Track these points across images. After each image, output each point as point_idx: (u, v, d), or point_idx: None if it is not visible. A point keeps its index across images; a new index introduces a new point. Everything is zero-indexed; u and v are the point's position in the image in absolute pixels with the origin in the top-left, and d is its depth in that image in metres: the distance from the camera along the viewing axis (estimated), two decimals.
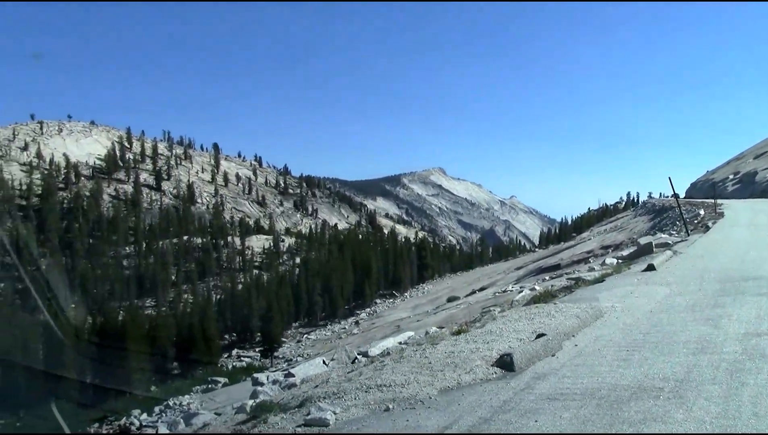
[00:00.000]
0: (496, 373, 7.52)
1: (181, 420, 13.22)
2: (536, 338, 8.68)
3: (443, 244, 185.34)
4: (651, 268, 16.32)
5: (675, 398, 6.08)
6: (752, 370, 6.78)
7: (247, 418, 8.19)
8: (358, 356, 13.25)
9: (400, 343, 13.77)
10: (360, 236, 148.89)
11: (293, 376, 12.07)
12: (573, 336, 9.17)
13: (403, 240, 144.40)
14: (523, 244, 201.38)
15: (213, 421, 10.74)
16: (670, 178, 30.49)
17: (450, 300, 61.27)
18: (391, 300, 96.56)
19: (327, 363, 13.69)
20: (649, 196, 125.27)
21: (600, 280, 15.86)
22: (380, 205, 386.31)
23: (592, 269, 25.20)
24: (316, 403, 7.10)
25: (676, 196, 36.74)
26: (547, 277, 39.32)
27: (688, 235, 29.87)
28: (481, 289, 63.16)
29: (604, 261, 27.44)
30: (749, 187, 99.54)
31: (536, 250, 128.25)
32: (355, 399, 7.05)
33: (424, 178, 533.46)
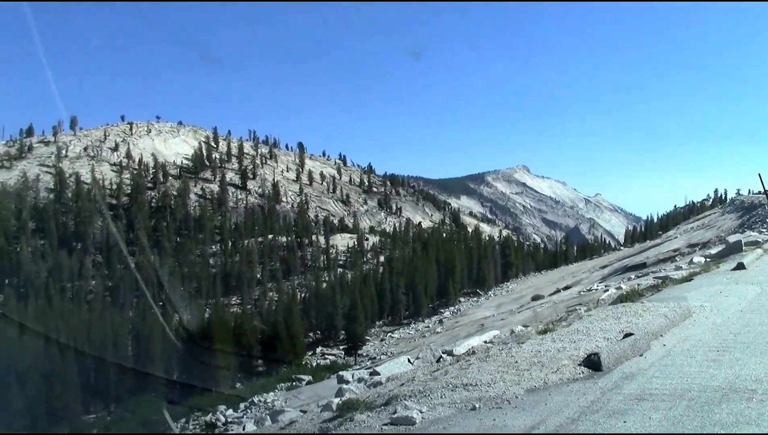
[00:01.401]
0: (583, 372, 7.46)
1: (268, 417, 13.44)
2: (624, 338, 8.57)
3: (527, 243, 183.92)
4: (741, 266, 16.01)
5: None
6: None
7: (333, 416, 8.26)
8: (443, 355, 13.26)
9: (486, 341, 13.76)
10: (444, 234, 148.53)
11: (378, 374, 12.16)
12: (661, 336, 9.05)
13: (487, 238, 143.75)
14: (608, 242, 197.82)
15: (299, 419, 10.85)
16: (759, 175, 29.81)
17: (534, 298, 60.77)
18: (475, 298, 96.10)
19: (412, 361, 13.74)
20: (738, 193, 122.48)
21: (688, 278, 15.61)
22: (464, 203, 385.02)
23: (679, 268, 24.78)
24: (402, 401, 7.15)
25: (766, 193, 35.73)
26: (632, 276, 38.81)
27: None
28: (566, 288, 62.45)
29: (692, 259, 26.93)
30: None
31: (621, 248, 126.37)
32: (441, 398, 7.07)
33: (507, 176, 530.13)
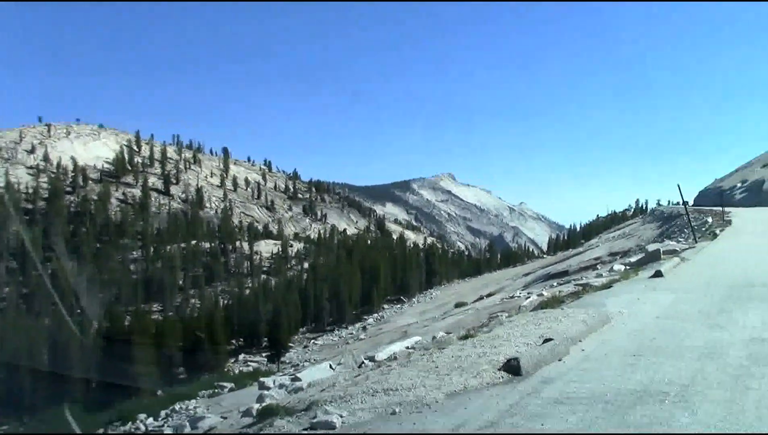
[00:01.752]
0: (503, 377, 7.55)
1: (187, 423, 13.27)
2: (543, 343, 8.71)
3: (452, 250, 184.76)
4: (658, 274, 16.37)
5: (680, 402, 6.13)
6: (757, 375, 6.83)
7: (252, 422, 8.23)
8: (365, 361, 13.30)
9: (408, 347, 13.83)
10: (369, 241, 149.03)
11: (300, 380, 12.14)
12: (580, 341, 9.20)
13: (412, 245, 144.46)
14: (531, 250, 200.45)
15: (219, 425, 10.79)
16: (678, 186, 30.50)
17: (458, 305, 61.06)
18: (399, 305, 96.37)
19: (334, 367, 13.77)
20: (658, 204, 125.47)
21: (607, 286, 15.91)
22: (389, 210, 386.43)
23: (599, 275, 25.25)
24: (323, 406, 7.14)
25: (684, 203, 36.67)
26: (555, 283, 39.32)
27: (696, 242, 29.88)
28: (489, 295, 62.94)
29: (612, 267, 27.48)
30: (757, 195, 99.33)
31: (544, 256, 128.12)
32: (362, 403, 7.08)
33: (433, 184, 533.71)
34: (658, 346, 8.57)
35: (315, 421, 6.65)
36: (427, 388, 7.23)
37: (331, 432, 6.36)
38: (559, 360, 8.20)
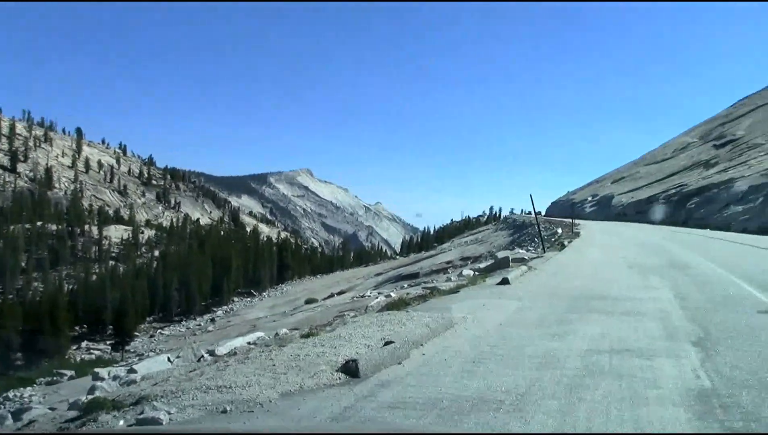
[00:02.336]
0: (340, 378, 7.37)
1: (9, 415, 12.53)
2: (384, 345, 8.56)
3: (305, 246, 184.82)
4: (505, 281, 16.59)
5: (514, 411, 6.08)
6: (590, 387, 6.87)
7: (77, 415, 7.78)
8: (204, 355, 12.94)
9: (249, 343, 13.53)
10: (222, 233, 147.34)
11: (135, 372, 11.67)
12: (422, 345, 9.11)
13: (265, 239, 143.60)
14: (384, 250, 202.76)
15: (41, 417, 10.19)
16: (531, 196, 31.24)
17: (308, 302, 61.04)
18: (249, 299, 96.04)
19: (172, 361, 13.32)
20: (511, 212, 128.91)
21: (455, 290, 16.00)
22: (245, 202, 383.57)
23: (449, 280, 25.48)
24: (152, 402, 6.79)
25: (535, 213, 37.63)
26: (405, 285, 39.62)
27: (545, 252, 30.63)
28: (340, 293, 63.18)
29: (462, 272, 27.81)
30: (606, 209, 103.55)
31: (397, 257, 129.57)
32: (193, 399, 6.76)
33: (291, 179, 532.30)
34: (499, 353, 8.57)
35: (141, 417, 6.30)
36: (262, 387, 6.98)
37: (157, 429, 6.05)
38: (399, 363, 8.07)
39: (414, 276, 55.80)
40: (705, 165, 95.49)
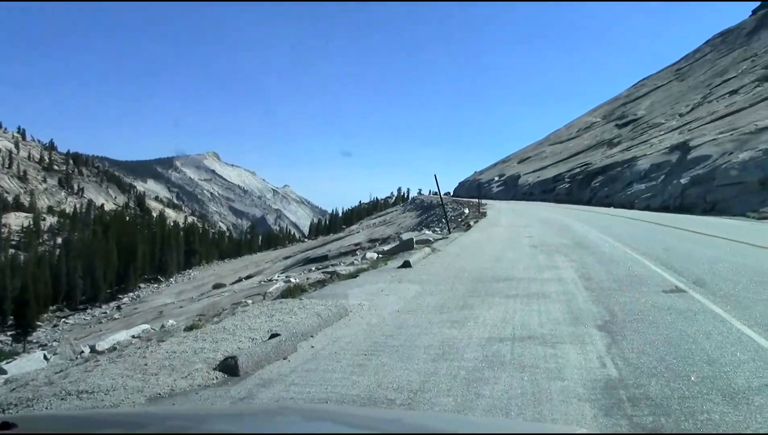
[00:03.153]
0: (217, 378, 6.65)
1: None
2: (270, 338, 7.86)
3: (213, 230, 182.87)
4: (407, 265, 16.04)
5: (407, 412, 5.47)
6: (490, 380, 6.30)
7: None
8: (84, 350, 12.04)
9: (133, 336, 12.71)
10: (127, 218, 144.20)
11: (5, 372, 10.71)
12: (311, 336, 8.43)
13: (172, 224, 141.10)
14: (293, 233, 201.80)
15: None
16: (435, 176, 30.93)
17: (216, 287, 60.42)
18: (156, 285, 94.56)
19: (49, 358, 12.34)
20: (419, 193, 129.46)
21: (354, 275, 15.36)
22: (151, 187, 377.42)
23: (353, 263, 24.89)
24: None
25: (440, 193, 37.28)
26: (313, 268, 39.13)
27: (450, 232, 30.28)
28: (248, 277, 62.75)
29: (365, 255, 27.24)
30: (512, 189, 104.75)
31: (305, 240, 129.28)
32: (48, 408, 5.96)
33: (197, 163, 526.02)
34: (393, 344, 7.94)
35: None
36: (128, 391, 6.21)
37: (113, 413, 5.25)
38: (285, 358, 7.37)
39: (323, 259, 55.43)
40: (608, 144, 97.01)
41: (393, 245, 27.27)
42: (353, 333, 8.72)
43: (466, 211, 52.59)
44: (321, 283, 15.05)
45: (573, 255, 17.75)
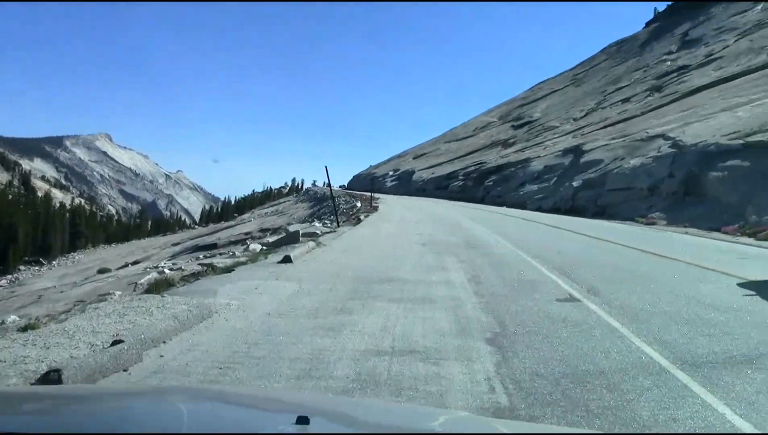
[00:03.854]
0: None
1: None
2: (112, 345, 6.70)
3: (101, 213, 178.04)
4: (288, 260, 15.02)
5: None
6: (359, 407, 5.36)
7: None
8: None
9: None
10: (10, 197, 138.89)
11: None
12: (164, 343, 7.29)
13: (58, 205, 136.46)
14: (184, 219, 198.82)
15: None
16: (326, 168, 29.77)
17: (101, 272, 58.02)
18: (38, 268, 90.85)
19: None
20: (313, 184, 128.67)
21: (230, 269, 14.18)
22: (38, 166, 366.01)
23: (233, 255, 23.70)
24: None
25: (329, 185, 36.19)
26: (201, 256, 38.02)
27: (339, 226, 29.46)
28: (135, 263, 60.79)
29: (248, 246, 26.01)
30: (407, 184, 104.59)
31: (196, 227, 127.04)
32: None
33: (88, 143, 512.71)
34: (256, 356, 6.88)
35: None
36: None
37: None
38: (125, 370, 6.25)
39: (212, 246, 54.11)
40: (504, 144, 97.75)
41: (277, 238, 26.16)
42: (213, 340, 7.62)
43: (359, 204, 52.11)
44: (195, 276, 13.88)
45: (463, 256, 17.03)
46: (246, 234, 58.68)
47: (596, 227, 30.29)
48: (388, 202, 55.35)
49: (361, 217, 35.28)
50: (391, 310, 9.53)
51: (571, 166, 55.44)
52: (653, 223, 33.35)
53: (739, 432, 4.92)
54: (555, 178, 56.18)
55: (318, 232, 24.91)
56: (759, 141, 32.35)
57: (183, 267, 22.13)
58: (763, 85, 52.51)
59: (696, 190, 35.23)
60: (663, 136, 45.91)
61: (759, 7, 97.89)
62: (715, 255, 18.26)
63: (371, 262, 15.32)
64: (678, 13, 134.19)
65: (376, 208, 45.52)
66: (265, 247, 22.29)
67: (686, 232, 27.99)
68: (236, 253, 24.88)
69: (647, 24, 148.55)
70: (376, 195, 67.91)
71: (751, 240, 23.77)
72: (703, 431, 5.08)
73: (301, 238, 21.53)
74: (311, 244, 19.05)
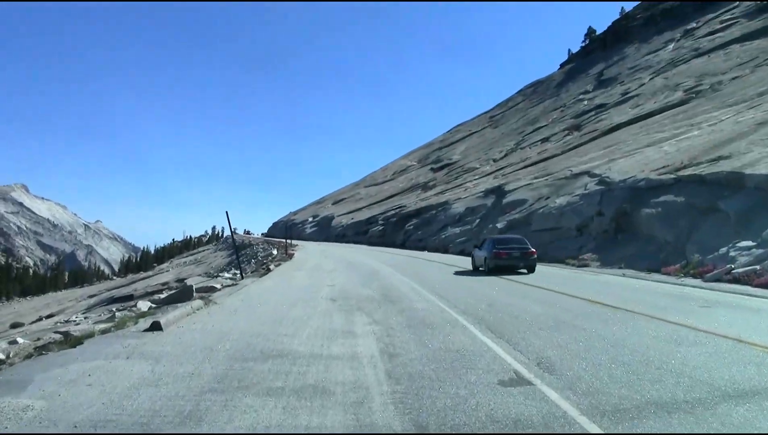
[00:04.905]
0: None
1: None
2: None
3: (18, 265, 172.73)
4: (156, 327, 11.90)
5: None
6: None
7: None
8: None
9: None
10: None
11: None
12: None
13: None
14: (103, 270, 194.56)
15: None
16: (227, 213, 26.50)
17: (14, 326, 55.89)
18: None
19: None
20: (234, 231, 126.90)
21: (79, 341, 11.01)
22: None
23: (100, 317, 20.46)
24: None
25: (232, 232, 32.57)
26: (114, 308, 35.28)
27: (243, 278, 26.51)
28: (49, 316, 59.43)
29: (136, 304, 22.65)
30: (326, 230, 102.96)
31: (114, 278, 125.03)
32: None
33: (4, 194, 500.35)
34: None
35: None
36: None
37: None
38: None
39: (128, 298, 52.04)
40: (423, 187, 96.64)
41: (169, 294, 22.92)
42: None
43: (275, 252, 50.97)
44: (41, 350, 10.73)
45: (378, 313, 14.20)
46: (163, 284, 57.07)
47: (522, 272, 27.90)
48: (306, 249, 53.41)
49: (272, 266, 32.43)
50: (262, 413, 6.48)
51: (493, 207, 53.71)
52: (586, 265, 31.12)
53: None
54: (478, 220, 54.31)
55: (218, 285, 21.92)
56: (692, 175, 30.39)
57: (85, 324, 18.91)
58: (683, 120, 51.98)
59: (628, 228, 33.22)
60: (588, 173, 44.26)
61: (671, 47, 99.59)
62: (672, 302, 15.76)
63: (261, 328, 12.30)
64: (592, 53, 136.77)
65: (291, 256, 43.71)
66: (154, 305, 19.06)
67: (623, 274, 25.70)
68: (105, 314, 21.59)
69: (562, 65, 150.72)
70: (297, 242, 69.36)
71: (697, 281, 21.48)
72: None
73: (195, 294, 18.56)
74: (197, 303, 15.96)
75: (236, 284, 22.69)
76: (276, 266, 32.23)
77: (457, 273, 28.33)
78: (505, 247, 28.13)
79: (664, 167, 34.98)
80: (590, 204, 37.31)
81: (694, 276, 22.54)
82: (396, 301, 16.56)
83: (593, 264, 30.98)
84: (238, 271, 29.46)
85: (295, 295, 18.82)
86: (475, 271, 29.40)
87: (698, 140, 40.04)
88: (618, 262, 29.17)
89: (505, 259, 27.59)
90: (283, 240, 68.50)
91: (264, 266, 32.90)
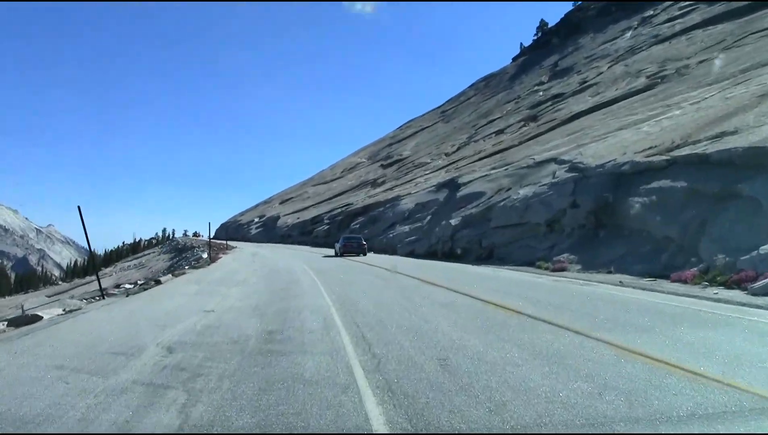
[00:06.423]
0: None
1: None
2: None
3: None
4: None
5: None
6: None
7: None
8: None
9: None
10: None
11: None
12: None
13: None
14: (53, 275, 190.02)
15: None
16: (78, 208, 20.46)
17: None
18: None
19: None
20: (184, 234, 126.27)
21: None
22: None
23: None
24: None
25: (84, 230, 26.12)
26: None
27: (104, 297, 20.42)
28: None
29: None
30: (271, 231, 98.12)
31: (60, 283, 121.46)
32: None
33: None
34: None
35: None
36: None
37: None
38: None
39: None
40: (373, 184, 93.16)
41: (14, 315, 16.57)
42: None
43: (204, 255, 48.32)
44: None
45: (233, 390, 7.71)
46: (102, 290, 51.95)
47: (486, 280, 21.82)
48: (238, 252, 50.03)
49: (164, 278, 26.05)
50: None
51: (446, 202, 47.73)
52: (563, 269, 24.85)
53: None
54: (429, 217, 48.38)
55: (47, 314, 15.27)
56: (690, 154, 24.20)
57: None
58: (656, 102, 47.72)
59: (612, 222, 27.01)
60: (555, 159, 38.41)
61: (629, 35, 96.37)
62: (749, 346, 9.42)
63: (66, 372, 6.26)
64: (545, 46, 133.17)
65: (216, 260, 40.61)
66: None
67: (620, 282, 19.19)
68: None
69: (514, 59, 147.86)
70: (237, 244, 68.26)
71: (735, 292, 15.04)
72: None
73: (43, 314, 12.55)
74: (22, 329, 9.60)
75: (77, 310, 16.12)
76: (176, 276, 25.97)
77: (397, 284, 21.99)
78: (349, 241, 47.08)
79: (650, 148, 28.89)
80: (561, 194, 31.01)
81: (727, 285, 16.06)
82: (295, 342, 10.01)
83: (573, 268, 24.74)
84: (99, 290, 22.96)
85: (112, 341, 11.77)
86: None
87: (685, 118, 34.47)
88: (604, 266, 23.09)
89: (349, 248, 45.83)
90: (229, 241, 69.57)
91: (155, 280, 26.41)
